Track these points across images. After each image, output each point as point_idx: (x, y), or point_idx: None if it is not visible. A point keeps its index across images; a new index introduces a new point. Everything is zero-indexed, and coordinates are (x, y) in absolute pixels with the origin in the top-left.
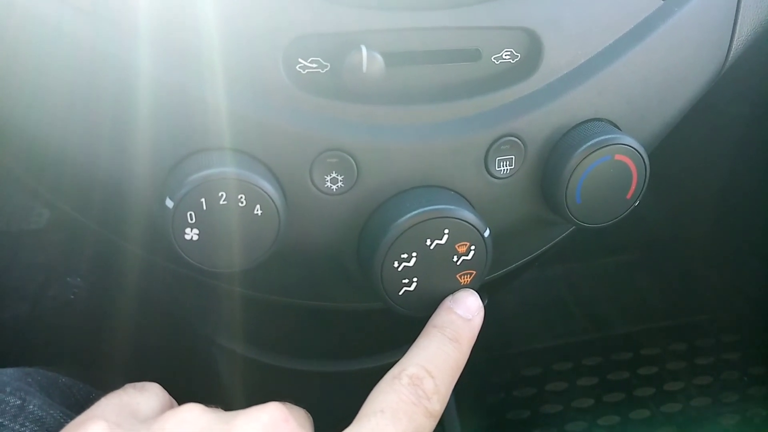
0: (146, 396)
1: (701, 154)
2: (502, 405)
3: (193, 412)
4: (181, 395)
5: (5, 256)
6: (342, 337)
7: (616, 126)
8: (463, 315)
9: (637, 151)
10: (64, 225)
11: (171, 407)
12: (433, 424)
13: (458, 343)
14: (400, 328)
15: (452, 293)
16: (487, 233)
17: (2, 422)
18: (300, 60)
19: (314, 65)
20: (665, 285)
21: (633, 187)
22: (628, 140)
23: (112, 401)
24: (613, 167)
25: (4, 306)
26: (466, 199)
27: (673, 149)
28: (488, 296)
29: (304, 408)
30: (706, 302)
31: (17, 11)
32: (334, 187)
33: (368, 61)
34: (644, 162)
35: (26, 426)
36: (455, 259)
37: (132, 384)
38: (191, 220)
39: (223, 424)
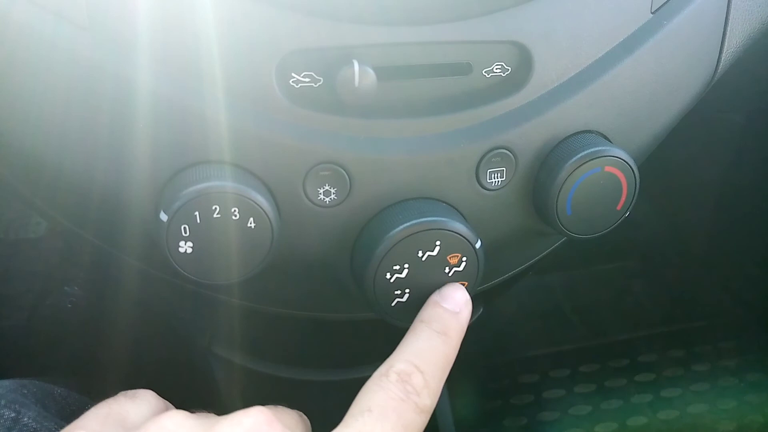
0: (137, 404)
1: (698, 162)
2: (500, 412)
3: (174, 419)
4: (178, 405)
5: (2, 265)
6: (337, 346)
7: (606, 138)
8: (451, 308)
9: (626, 162)
10: (62, 234)
11: None
12: (425, 420)
13: (447, 336)
14: (395, 338)
15: (439, 289)
16: (478, 245)
17: None
18: (293, 74)
19: (307, 79)
20: (662, 292)
21: (623, 198)
22: (618, 152)
23: (100, 411)
24: (603, 179)
25: (1, 315)
26: (457, 210)
27: (670, 158)
28: (484, 304)
29: None
30: (703, 309)
31: (14, 25)
32: (327, 199)
33: (360, 75)
34: (634, 173)
35: None
36: (447, 270)
37: (124, 392)
38: (185, 233)
39: (204, 430)
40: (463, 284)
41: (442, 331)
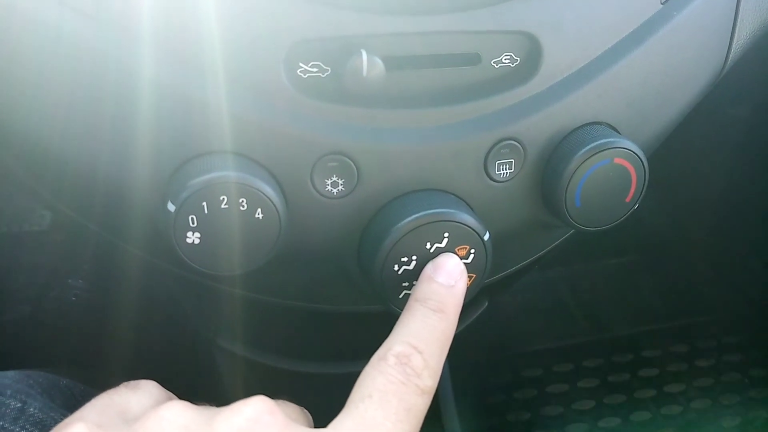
0: (138, 394)
1: (702, 156)
2: (503, 406)
3: (174, 409)
4: (182, 397)
5: (7, 258)
6: (343, 339)
7: (615, 129)
8: (445, 282)
9: (636, 154)
10: (66, 227)
11: None
12: (427, 401)
13: (443, 313)
14: None
15: (432, 260)
16: (486, 236)
17: (2, 425)
18: (301, 64)
19: (315, 69)
20: (666, 287)
21: (632, 190)
22: (627, 144)
23: (101, 401)
24: (613, 171)
25: (5, 308)
26: (465, 202)
27: (675, 151)
28: (489, 298)
29: (304, 408)
30: (706, 304)
31: (19, 14)
32: (334, 190)
33: (369, 65)
34: (643, 165)
35: (26, 428)
36: None
37: (126, 383)
38: (193, 223)
39: (204, 420)
40: (471, 276)
41: (438, 308)
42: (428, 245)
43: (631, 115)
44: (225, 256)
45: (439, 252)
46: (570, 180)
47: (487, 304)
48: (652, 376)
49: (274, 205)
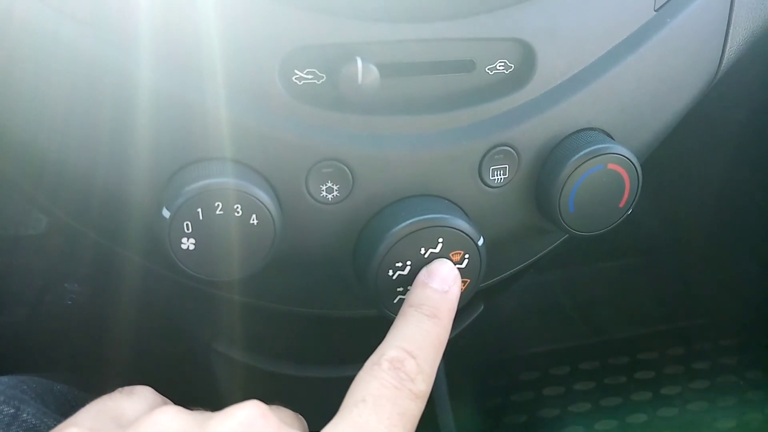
0: (133, 400)
1: (699, 159)
2: (500, 409)
3: (167, 414)
4: (178, 402)
5: (3, 261)
6: (339, 343)
7: (609, 135)
8: (439, 288)
9: (629, 160)
10: (63, 231)
11: None
12: (421, 406)
13: (437, 318)
14: None
15: (426, 265)
16: (481, 242)
17: None
18: (296, 71)
19: (310, 76)
20: (663, 289)
21: (626, 195)
22: (621, 149)
23: (95, 407)
24: (606, 176)
25: (1, 311)
26: (460, 208)
27: (671, 155)
28: (485, 302)
29: (300, 413)
30: (703, 306)
31: (16, 21)
32: (329, 196)
33: (363, 72)
34: (637, 171)
35: None
36: None
37: (121, 388)
38: (188, 229)
39: (198, 424)
40: (465, 281)
41: (432, 314)
42: (423, 250)
43: (625, 120)
44: (220, 262)
45: (433, 257)
46: (564, 185)
47: (482, 307)
48: (649, 379)
49: (269, 211)
